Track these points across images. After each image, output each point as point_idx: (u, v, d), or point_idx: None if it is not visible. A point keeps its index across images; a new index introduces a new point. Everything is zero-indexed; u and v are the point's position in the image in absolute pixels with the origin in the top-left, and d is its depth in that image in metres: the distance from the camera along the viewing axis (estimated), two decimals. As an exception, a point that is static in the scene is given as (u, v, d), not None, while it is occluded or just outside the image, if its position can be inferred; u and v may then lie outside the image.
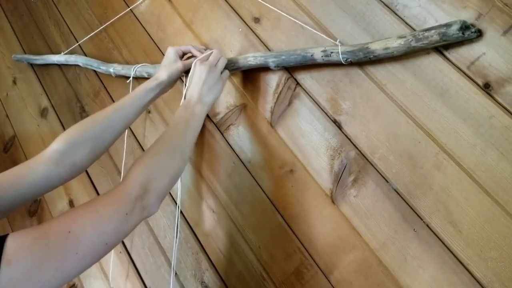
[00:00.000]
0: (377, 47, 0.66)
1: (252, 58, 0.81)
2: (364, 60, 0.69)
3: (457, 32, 0.60)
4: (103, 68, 1.11)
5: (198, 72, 0.77)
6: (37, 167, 0.66)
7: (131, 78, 1.02)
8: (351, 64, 0.71)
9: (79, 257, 0.49)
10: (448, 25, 0.60)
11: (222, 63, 0.81)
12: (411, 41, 0.63)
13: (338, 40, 0.72)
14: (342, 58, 0.69)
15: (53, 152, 0.68)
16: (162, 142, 0.67)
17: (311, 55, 0.73)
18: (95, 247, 0.51)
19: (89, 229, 0.50)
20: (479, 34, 0.62)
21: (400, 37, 0.64)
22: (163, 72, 0.82)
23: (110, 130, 0.76)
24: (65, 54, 1.23)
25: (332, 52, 0.70)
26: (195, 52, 0.86)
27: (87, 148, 0.72)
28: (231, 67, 0.84)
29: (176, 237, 0.92)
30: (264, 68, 0.84)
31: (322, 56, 0.72)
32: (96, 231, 0.51)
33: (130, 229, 0.56)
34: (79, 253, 0.49)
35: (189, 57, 0.87)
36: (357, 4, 0.75)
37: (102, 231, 0.52)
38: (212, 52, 0.82)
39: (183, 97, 0.82)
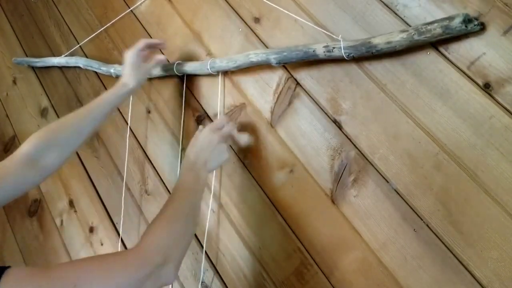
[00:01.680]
0: (380, 41, 0.65)
1: (253, 55, 0.80)
2: (366, 55, 0.68)
3: (460, 25, 0.59)
4: (103, 69, 1.11)
5: (208, 138, 0.74)
6: (7, 172, 0.66)
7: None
8: (353, 59, 0.70)
9: None
10: (451, 18, 0.60)
11: (232, 132, 0.77)
12: (413, 34, 0.62)
13: (340, 36, 0.72)
14: (345, 53, 0.69)
15: (22, 156, 0.68)
16: (178, 208, 0.64)
17: (313, 51, 0.72)
18: None
19: (96, 285, 0.47)
20: (482, 27, 0.61)
21: (403, 31, 0.63)
22: (131, 79, 0.84)
23: (78, 134, 0.77)
24: (66, 56, 1.23)
25: (334, 48, 0.70)
26: (153, 42, 0.89)
27: (56, 152, 0.73)
28: (232, 65, 0.83)
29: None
30: (264, 68, 0.84)
31: (324, 52, 0.71)
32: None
33: None
34: None
35: (149, 54, 0.90)
36: (357, 4, 0.75)
37: None
38: (224, 121, 0.78)
39: (182, 156, 0.85)
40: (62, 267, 0.48)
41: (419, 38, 0.62)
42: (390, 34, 0.65)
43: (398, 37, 0.64)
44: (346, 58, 0.70)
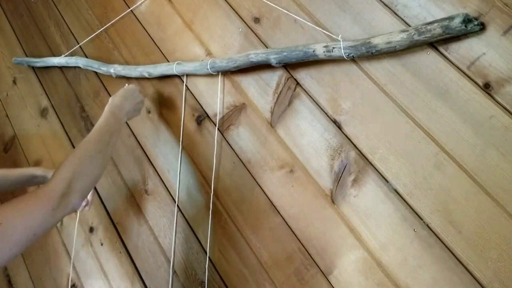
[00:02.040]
0: (380, 41, 0.65)
1: (253, 55, 0.80)
2: (366, 55, 0.68)
3: (460, 25, 0.59)
4: (103, 69, 1.11)
5: (134, 93, 0.92)
6: None
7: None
8: (353, 59, 0.71)
9: (10, 245, 0.55)
10: (450, 18, 0.60)
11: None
12: (413, 34, 0.62)
13: (339, 36, 0.72)
14: (344, 53, 0.69)
15: None
16: (90, 145, 0.74)
17: (313, 51, 0.72)
18: (24, 238, 0.57)
19: (18, 221, 0.56)
20: (482, 27, 0.61)
21: (403, 31, 0.63)
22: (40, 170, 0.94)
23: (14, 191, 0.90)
24: (66, 56, 1.23)
25: (334, 48, 0.70)
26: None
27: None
28: (233, 65, 0.83)
29: (175, 236, 0.92)
30: (264, 68, 0.84)
31: (324, 52, 0.71)
32: (24, 223, 0.57)
33: (55, 222, 0.63)
34: (10, 242, 0.55)
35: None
36: (357, 4, 0.75)
37: (30, 224, 0.58)
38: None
39: (183, 156, 0.93)
40: None
41: (419, 38, 0.62)
42: (390, 34, 0.65)
43: (398, 37, 0.64)
44: (346, 58, 0.70)
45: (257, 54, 0.80)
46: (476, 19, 0.61)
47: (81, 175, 0.69)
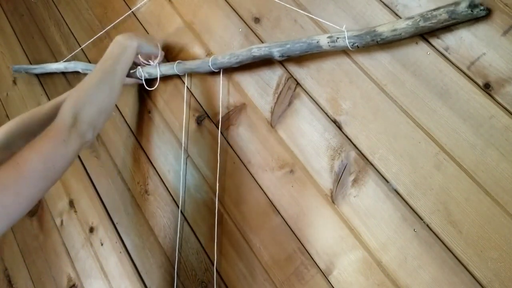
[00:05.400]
0: (385, 29, 0.64)
1: (256, 49, 0.79)
2: (371, 44, 0.67)
3: (466, 9, 0.59)
4: None
5: (144, 33, 0.94)
6: None
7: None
8: (357, 49, 0.69)
9: (32, 181, 0.58)
10: (456, 3, 0.59)
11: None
12: (419, 21, 0.61)
13: (344, 26, 0.70)
14: (349, 43, 0.68)
15: None
16: (92, 75, 0.75)
17: (317, 42, 0.71)
18: (44, 172, 0.60)
19: (34, 158, 0.60)
20: (488, 12, 0.61)
21: (408, 18, 0.63)
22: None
23: (45, 126, 0.83)
24: (64, 61, 1.22)
25: (338, 38, 0.69)
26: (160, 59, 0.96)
27: (25, 142, 0.78)
28: (235, 60, 0.83)
29: (178, 237, 0.92)
30: (264, 68, 0.84)
31: (328, 43, 0.70)
32: (41, 159, 0.60)
33: (72, 154, 0.66)
34: (32, 178, 0.58)
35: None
36: (357, 4, 0.75)
37: (45, 158, 0.61)
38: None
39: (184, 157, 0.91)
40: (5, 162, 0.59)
41: (425, 24, 0.61)
42: (395, 22, 0.64)
43: (403, 24, 0.63)
44: (350, 48, 0.69)
45: (259, 48, 0.78)
46: (481, 4, 0.60)
47: (87, 104, 0.71)
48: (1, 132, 0.76)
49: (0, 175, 0.55)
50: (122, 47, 0.82)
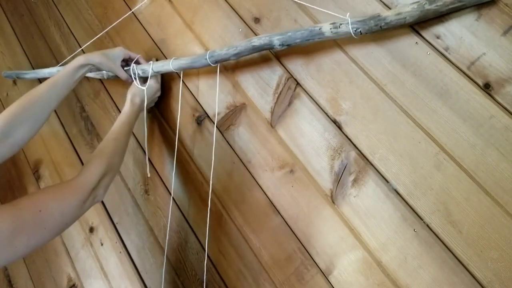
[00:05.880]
0: (389, 13, 0.63)
1: (256, 39, 0.76)
2: (375, 30, 0.65)
3: None
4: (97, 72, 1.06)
5: (156, 88, 0.95)
6: None
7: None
8: (360, 35, 0.67)
9: (46, 231, 0.60)
10: None
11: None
12: (424, 4, 0.60)
13: (347, 15, 0.68)
14: (352, 29, 0.66)
15: None
16: (118, 140, 0.80)
17: (319, 29, 0.69)
18: (58, 225, 0.62)
19: (55, 210, 0.62)
20: None
21: (414, 2, 0.62)
22: (98, 57, 0.88)
23: (46, 107, 0.82)
24: (60, 65, 1.19)
25: (341, 24, 0.67)
26: (142, 61, 0.96)
27: (26, 127, 0.78)
28: (233, 52, 0.80)
29: (168, 224, 0.92)
30: (264, 68, 0.84)
31: (330, 29, 0.68)
32: (60, 213, 0.62)
33: (82, 214, 0.69)
34: (46, 228, 0.60)
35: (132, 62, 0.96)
36: (357, 5, 0.75)
37: (64, 214, 0.63)
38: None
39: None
40: (26, 199, 0.60)
41: (430, 7, 0.60)
42: (400, 6, 0.63)
43: (408, 8, 0.61)
44: (353, 35, 0.67)
45: (259, 38, 0.76)
46: None
47: (111, 171, 0.74)
48: (1, 119, 0.75)
49: (20, 216, 0.57)
50: (137, 113, 0.89)
